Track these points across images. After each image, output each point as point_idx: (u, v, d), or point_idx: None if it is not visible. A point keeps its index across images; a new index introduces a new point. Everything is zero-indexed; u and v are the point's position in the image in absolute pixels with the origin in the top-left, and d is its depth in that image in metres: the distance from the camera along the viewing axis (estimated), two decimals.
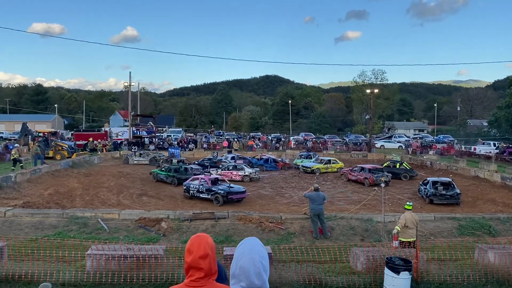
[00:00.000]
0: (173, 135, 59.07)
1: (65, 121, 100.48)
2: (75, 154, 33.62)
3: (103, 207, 17.75)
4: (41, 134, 37.84)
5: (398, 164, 29.13)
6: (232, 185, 20.30)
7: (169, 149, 40.39)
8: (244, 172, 26.67)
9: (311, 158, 34.55)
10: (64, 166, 27.73)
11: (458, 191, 20.17)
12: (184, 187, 20.84)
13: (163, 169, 26.03)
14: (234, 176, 26.20)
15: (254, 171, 27.34)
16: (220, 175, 25.97)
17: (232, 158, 33.13)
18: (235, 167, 27.45)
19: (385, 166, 28.85)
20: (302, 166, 31.68)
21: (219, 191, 19.16)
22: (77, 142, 41.14)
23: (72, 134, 51.54)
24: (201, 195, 19.76)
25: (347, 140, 59.67)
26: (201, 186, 19.86)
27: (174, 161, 29.60)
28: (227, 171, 26.80)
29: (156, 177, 25.46)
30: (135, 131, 50.26)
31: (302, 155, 36.94)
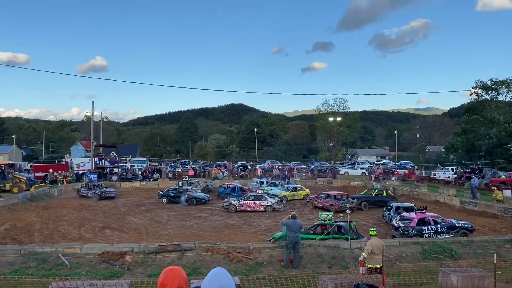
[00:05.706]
0: (137, 165, 57.70)
1: (23, 152, 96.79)
2: (34, 186, 32.27)
3: (64, 241, 17.11)
4: None
5: (384, 192, 29.86)
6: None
7: (88, 175, 41.16)
8: (267, 203, 25.89)
9: (277, 186, 34.76)
10: (22, 200, 26.58)
11: None
12: None
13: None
14: (257, 207, 25.59)
15: (276, 201, 26.57)
16: (243, 205, 25.55)
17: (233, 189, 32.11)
18: (256, 197, 26.42)
19: (375, 194, 29.28)
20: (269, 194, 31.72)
21: None
22: (36, 174, 39.61)
23: (31, 165, 49.65)
24: None
25: (312, 167, 60.41)
26: None
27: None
28: (249, 202, 26.00)
29: None
30: (98, 162, 49.04)
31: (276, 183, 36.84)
